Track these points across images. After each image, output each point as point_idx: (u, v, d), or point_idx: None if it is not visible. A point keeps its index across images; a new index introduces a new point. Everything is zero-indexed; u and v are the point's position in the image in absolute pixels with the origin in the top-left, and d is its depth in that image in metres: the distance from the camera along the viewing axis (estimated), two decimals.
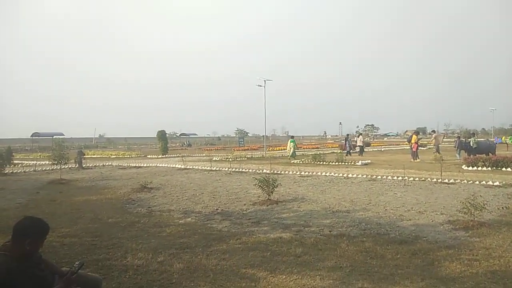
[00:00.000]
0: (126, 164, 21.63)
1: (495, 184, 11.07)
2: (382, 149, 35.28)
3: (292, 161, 20.70)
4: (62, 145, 18.18)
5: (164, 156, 30.35)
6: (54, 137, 42.36)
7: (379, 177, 13.24)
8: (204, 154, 30.07)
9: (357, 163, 18.53)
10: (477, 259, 4.79)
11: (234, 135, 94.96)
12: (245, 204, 8.87)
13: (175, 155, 29.40)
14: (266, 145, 34.65)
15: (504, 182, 11.22)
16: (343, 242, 5.63)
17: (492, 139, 37.78)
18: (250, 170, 16.58)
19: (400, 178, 12.62)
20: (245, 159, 24.18)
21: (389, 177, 13.01)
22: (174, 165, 20.03)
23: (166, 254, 5.21)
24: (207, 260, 4.95)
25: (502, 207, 7.56)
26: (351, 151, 27.03)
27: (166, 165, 20.46)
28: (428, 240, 5.71)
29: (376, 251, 5.20)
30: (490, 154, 18.57)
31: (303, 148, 36.91)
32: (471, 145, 19.87)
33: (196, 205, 8.97)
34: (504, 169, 14.80)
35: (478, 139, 22.03)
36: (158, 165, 21.05)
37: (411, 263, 4.72)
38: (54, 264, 3.12)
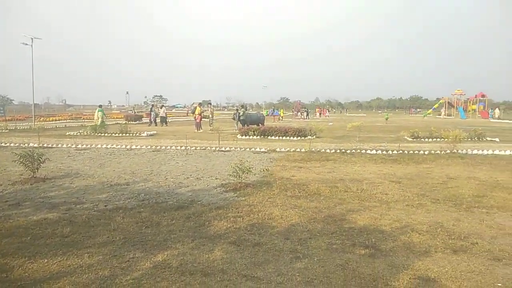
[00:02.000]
0: None
1: (261, 150, 12.84)
2: (170, 120, 35.93)
3: (67, 133, 18.61)
4: None
5: None
6: None
7: (163, 147, 13.38)
8: None
9: (142, 134, 18.26)
10: (241, 215, 5.38)
11: None
12: (1, 185, 7.37)
13: None
14: (36, 115, 29.97)
15: (268, 148, 13.15)
16: (119, 216, 5.37)
17: (262, 112, 44.01)
18: (12, 145, 13.98)
19: (183, 147, 13.09)
20: (6, 131, 20.31)
21: (173, 147, 13.32)
22: None
23: None
24: None
25: (264, 169, 8.82)
26: (156, 120, 27.57)
27: None
28: (203, 203, 6.07)
29: (152, 220, 5.17)
30: (260, 124, 21.55)
31: (83, 119, 33.92)
32: (239, 116, 22.60)
33: None
34: (269, 137, 17.36)
35: (251, 112, 25.20)
36: None
37: (185, 226, 4.91)
38: None
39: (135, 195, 6.64)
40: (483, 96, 57.74)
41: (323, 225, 5.01)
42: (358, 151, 12.51)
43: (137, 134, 18.28)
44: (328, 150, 12.61)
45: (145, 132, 18.65)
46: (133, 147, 13.41)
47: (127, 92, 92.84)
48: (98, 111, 22.60)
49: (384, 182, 7.88)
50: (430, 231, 4.78)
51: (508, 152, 12.23)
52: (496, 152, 12.30)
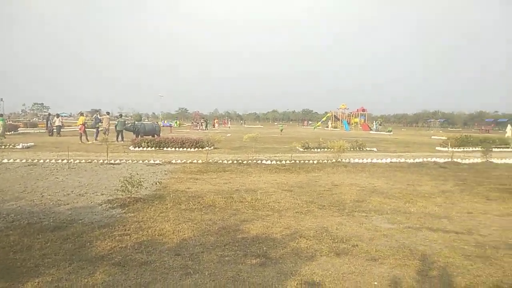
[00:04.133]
0: None
1: (156, 162, 12.30)
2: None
3: None
4: None
5: None
6: None
7: (41, 161, 11.97)
8: None
9: (17, 146, 16.14)
10: (128, 233, 5.00)
11: None
12: None
13: None
14: None
15: (163, 160, 12.66)
16: None
17: (159, 122, 42.54)
18: None
19: (65, 161, 11.88)
20: None
21: (53, 161, 12.00)
22: None
23: None
24: None
25: (157, 182, 8.41)
26: (54, 130, 25.60)
27: None
28: (84, 222, 5.50)
29: (22, 244, 4.50)
30: (155, 135, 20.74)
31: None
32: (116, 126, 21.58)
33: None
34: (165, 148, 16.79)
35: (146, 122, 24.15)
36: None
37: (61, 249, 4.36)
38: None
39: (3, 215, 5.76)
40: (363, 110, 64.79)
41: (217, 237, 4.92)
42: (254, 161, 12.81)
43: (10, 146, 16.09)
44: (225, 161, 12.66)
45: (21, 144, 16.50)
46: (5, 161, 11.73)
47: (1, 99, 79.15)
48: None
49: (277, 191, 8.14)
50: (317, 236, 5.03)
51: (384, 161, 13.73)
52: (374, 160, 13.71)
